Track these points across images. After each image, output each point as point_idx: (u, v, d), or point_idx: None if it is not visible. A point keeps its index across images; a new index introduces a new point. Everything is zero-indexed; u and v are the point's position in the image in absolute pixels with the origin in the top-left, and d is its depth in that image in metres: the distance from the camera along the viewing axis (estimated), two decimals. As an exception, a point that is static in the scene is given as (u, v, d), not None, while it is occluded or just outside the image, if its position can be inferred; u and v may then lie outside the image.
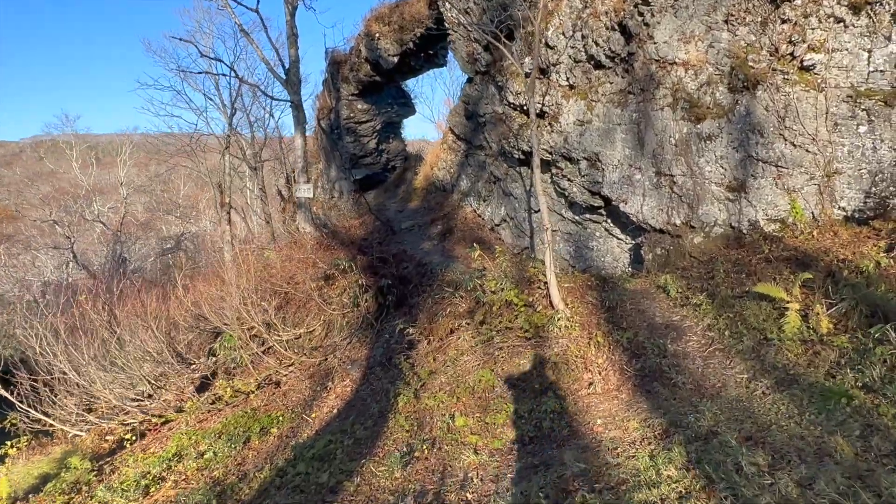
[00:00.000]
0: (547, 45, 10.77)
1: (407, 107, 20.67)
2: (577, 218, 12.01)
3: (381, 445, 6.94)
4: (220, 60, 19.21)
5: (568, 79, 10.77)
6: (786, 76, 8.05)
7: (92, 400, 11.14)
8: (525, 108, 11.69)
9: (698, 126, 8.93)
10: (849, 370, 5.01)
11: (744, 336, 6.28)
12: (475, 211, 15.23)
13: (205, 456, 8.19)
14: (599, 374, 6.55)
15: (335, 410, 9.56)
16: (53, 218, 45.59)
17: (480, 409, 7.13)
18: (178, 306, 12.90)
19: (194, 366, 12.55)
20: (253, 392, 10.84)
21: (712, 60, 8.88)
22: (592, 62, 10.33)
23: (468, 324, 9.36)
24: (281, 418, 9.44)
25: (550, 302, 8.24)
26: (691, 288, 7.89)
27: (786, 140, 8.10)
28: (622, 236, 11.34)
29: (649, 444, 4.84)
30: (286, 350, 11.48)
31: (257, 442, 8.55)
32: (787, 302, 6.22)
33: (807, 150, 7.98)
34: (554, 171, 11.74)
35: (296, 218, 15.89)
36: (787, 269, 6.96)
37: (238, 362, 12.69)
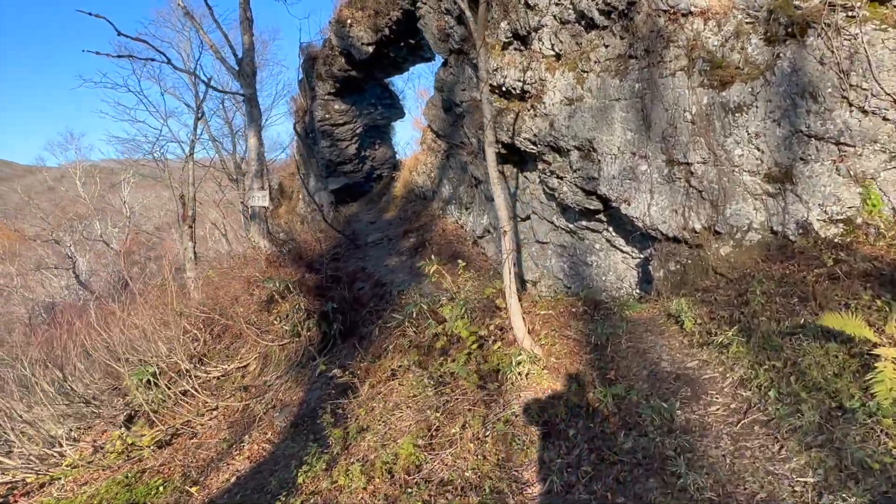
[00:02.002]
0: (526, 3, 8.55)
1: (394, 108, 18.63)
2: (571, 226, 9.64)
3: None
4: (159, 50, 16.84)
5: (553, 46, 8.51)
6: (850, 13, 5.66)
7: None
8: (504, 88, 9.45)
9: (723, 93, 6.57)
10: None
11: (802, 402, 3.84)
12: (457, 221, 12.95)
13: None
14: (562, 457, 4.14)
15: (233, 480, 7.31)
16: (54, 237, 44.94)
17: (391, 501, 4.79)
18: (87, 336, 10.84)
19: (104, 409, 10.42)
20: (149, 447, 8.59)
21: (741, 4, 6.54)
22: (583, 21, 8.07)
23: (412, 364, 7.03)
24: (160, 489, 7.19)
25: (522, 340, 5.86)
26: (715, 318, 5.47)
27: (851, 105, 5.70)
28: (627, 248, 8.93)
29: None
30: (199, 393, 9.26)
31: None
32: (876, 344, 3.77)
33: (884, 119, 5.55)
34: (541, 166, 9.43)
35: (250, 231, 13.80)
36: (867, 290, 4.50)
37: (159, 406, 10.45)
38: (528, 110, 9.13)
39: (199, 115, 17.77)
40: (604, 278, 9.33)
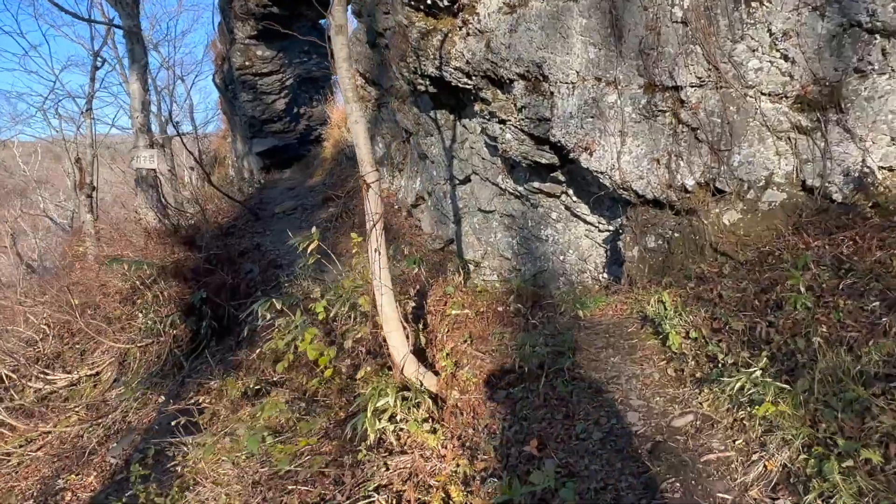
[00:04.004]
0: None
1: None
2: (521, 189, 7.33)
3: None
4: None
5: (488, -71, 6.08)
6: None
7: None
8: (430, 2, 7.01)
9: (733, -29, 4.26)
10: None
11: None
12: (390, 186, 10.56)
13: None
14: None
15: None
16: (-10, 213, 41.71)
17: None
18: None
19: None
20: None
21: None
22: None
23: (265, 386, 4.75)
24: None
25: (401, 364, 3.56)
26: (721, 331, 3.25)
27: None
28: (593, 218, 6.67)
29: None
30: (8, 418, 6.92)
31: None
32: None
33: None
34: (478, 108, 7.06)
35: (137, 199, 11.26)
36: None
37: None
38: (459, 28, 6.72)
39: (99, 63, 14.91)
40: (562, 258, 7.07)
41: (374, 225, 3.49)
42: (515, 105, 6.41)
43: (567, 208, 6.95)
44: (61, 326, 8.92)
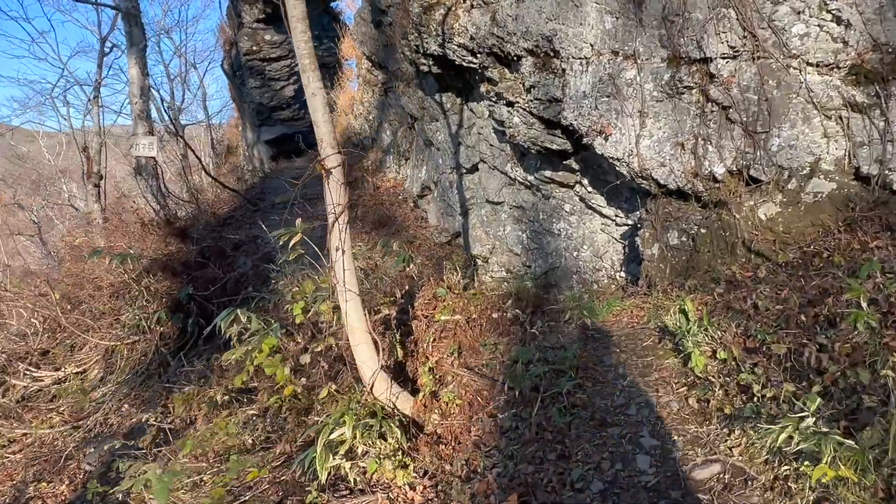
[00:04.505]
0: None
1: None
2: (531, 179, 6.72)
3: None
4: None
5: None
6: None
7: None
8: (432, -28, 6.41)
9: (776, -83, 3.59)
10: None
11: None
12: (397, 175, 10.01)
13: None
14: None
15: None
16: (18, 202, 42.33)
17: None
18: None
19: None
20: None
21: None
22: None
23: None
24: None
25: (370, 382, 3.01)
26: (756, 352, 2.62)
27: None
28: (610, 211, 6.04)
29: None
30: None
31: None
32: None
33: None
34: (484, 89, 6.45)
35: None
36: None
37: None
38: (463, 0, 6.10)
39: (107, 48, 14.60)
40: (575, 254, 6.45)
41: (337, 218, 2.95)
42: (524, 85, 5.80)
43: (581, 200, 6.32)
44: (52, 320, 8.61)
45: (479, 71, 6.42)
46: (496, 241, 7.58)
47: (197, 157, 6.99)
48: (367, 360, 2.98)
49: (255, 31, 14.23)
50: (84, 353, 7.98)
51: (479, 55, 6.21)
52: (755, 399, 2.38)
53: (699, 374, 2.79)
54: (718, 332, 2.92)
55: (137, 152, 10.57)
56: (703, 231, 4.29)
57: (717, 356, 2.81)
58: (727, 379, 2.63)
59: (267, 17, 14.13)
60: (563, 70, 5.28)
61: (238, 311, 4.39)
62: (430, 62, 7.05)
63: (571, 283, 6.59)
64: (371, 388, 2.98)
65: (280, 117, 15.11)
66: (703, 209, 4.37)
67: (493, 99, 6.37)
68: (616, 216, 6.00)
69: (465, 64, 6.48)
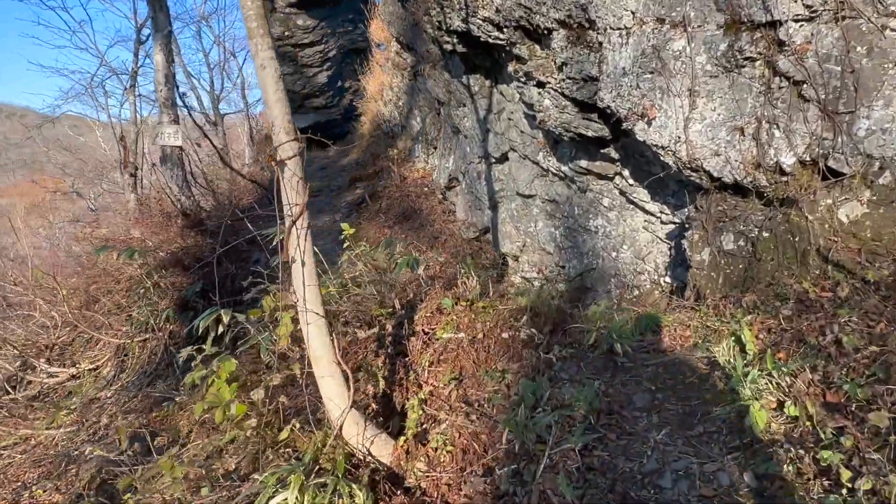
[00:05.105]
0: None
1: (380, 26, 14.85)
2: (565, 170, 6.02)
3: None
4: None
5: None
6: None
7: None
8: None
9: None
10: None
11: None
12: (425, 165, 9.43)
13: None
14: None
15: None
16: (76, 189, 44.03)
17: None
18: None
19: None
20: None
21: None
22: None
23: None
24: None
25: (338, 423, 2.44)
26: (835, 394, 1.95)
27: None
28: (654, 206, 5.29)
29: None
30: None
31: None
32: None
33: None
34: (513, 68, 5.77)
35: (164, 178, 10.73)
36: None
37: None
38: (487, -32, 5.43)
39: (143, 37, 14.51)
40: (614, 255, 5.73)
41: (294, 221, 2.38)
42: (555, 62, 5.09)
43: (622, 193, 5.58)
44: (67, 314, 8.49)
45: (507, 48, 5.74)
46: (527, 238, 6.91)
47: (214, 146, 6.65)
48: (335, 396, 2.42)
49: (288, 15, 13.86)
50: (98, 349, 7.81)
51: (505, 30, 5.53)
52: (843, 489, 1.69)
53: (759, 436, 2.10)
54: (787, 377, 2.22)
55: (162, 141, 10.35)
56: (765, 235, 3.53)
57: (786, 410, 2.11)
58: (800, 449, 1.94)
59: (299, 1, 13.73)
60: (600, 43, 4.56)
61: (222, 311, 3.92)
62: (455, 40, 6.41)
63: (609, 287, 5.88)
64: (340, 430, 2.43)
65: (313, 105, 14.75)
66: (767, 208, 3.60)
67: (522, 79, 5.68)
68: (661, 212, 5.24)
69: (490, 41, 5.81)
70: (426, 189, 8.85)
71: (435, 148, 9.01)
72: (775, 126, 3.49)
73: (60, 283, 7.53)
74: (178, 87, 11.03)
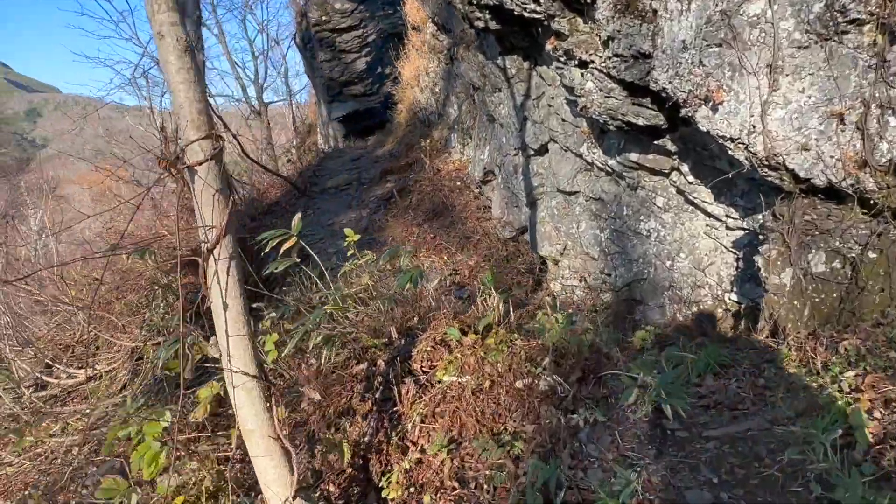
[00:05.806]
0: None
1: (421, 9, 14.16)
2: (612, 164, 5.22)
3: None
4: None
5: None
6: None
7: None
8: None
9: None
10: None
11: None
12: (461, 157, 8.73)
13: None
14: None
15: None
16: (135, 179, 45.70)
17: None
18: None
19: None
20: None
21: None
22: None
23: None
24: None
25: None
26: None
27: None
28: (718, 209, 4.45)
29: None
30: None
31: None
32: None
33: None
34: (551, 46, 5.00)
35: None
36: None
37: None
38: (522, -72, 4.66)
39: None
40: (668, 264, 4.92)
41: (211, 250, 1.74)
42: (600, 37, 4.30)
43: (679, 192, 4.74)
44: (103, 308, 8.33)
45: (545, 22, 4.96)
46: (569, 241, 6.14)
47: (234, 136, 6.31)
48: (272, 481, 1.81)
49: (325, 0, 13.36)
50: (115, 351, 7.59)
51: (542, 1, 4.75)
52: None
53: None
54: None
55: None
56: (871, 255, 2.69)
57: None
58: None
59: (336, -17, 13.19)
60: (654, 11, 3.75)
61: (190, 341, 3.41)
62: (487, 15, 5.66)
63: (662, 301, 5.07)
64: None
65: (351, 92, 14.24)
66: (874, 219, 2.75)
67: (562, 59, 4.90)
68: (727, 216, 4.38)
69: (525, 14, 5.04)
70: (460, 183, 8.16)
71: (471, 138, 8.29)
72: (889, 111, 2.63)
73: (65, 284, 7.27)
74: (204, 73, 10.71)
